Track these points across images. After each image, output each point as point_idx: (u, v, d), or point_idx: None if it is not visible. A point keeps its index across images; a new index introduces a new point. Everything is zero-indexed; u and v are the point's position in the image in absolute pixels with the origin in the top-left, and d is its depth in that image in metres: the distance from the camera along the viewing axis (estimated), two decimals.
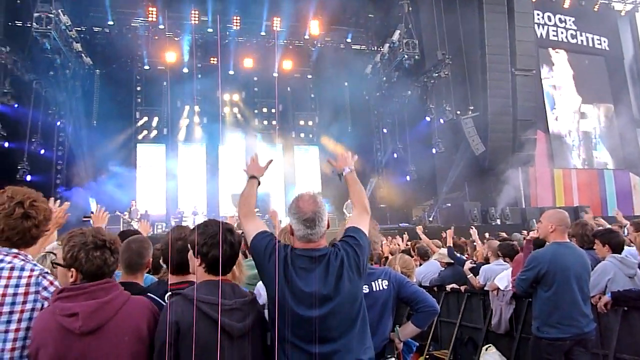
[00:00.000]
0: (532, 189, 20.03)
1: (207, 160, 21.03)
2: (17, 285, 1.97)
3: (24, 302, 1.97)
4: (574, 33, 23.35)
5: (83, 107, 18.60)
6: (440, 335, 6.72)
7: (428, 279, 6.60)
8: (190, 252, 2.16)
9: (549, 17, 22.85)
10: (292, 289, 2.14)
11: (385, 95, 21.46)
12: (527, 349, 4.15)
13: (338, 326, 2.15)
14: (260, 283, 2.65)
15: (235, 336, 2.00)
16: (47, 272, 2.10)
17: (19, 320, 1.95)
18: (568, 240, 3.95)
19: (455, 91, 17.37)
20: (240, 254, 2.50)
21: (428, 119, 18.41)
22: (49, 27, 13.68)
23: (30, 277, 2.01)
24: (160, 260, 2.73)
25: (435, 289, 6.50)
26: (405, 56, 17.28)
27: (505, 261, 5.56)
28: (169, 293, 2.16)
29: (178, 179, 20.35)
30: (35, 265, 2.09)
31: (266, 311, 2.29)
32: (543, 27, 22.61)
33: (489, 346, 5.52)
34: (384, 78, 20.74)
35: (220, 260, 2.10)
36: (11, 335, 1.92)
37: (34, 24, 13.55)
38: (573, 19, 23.28)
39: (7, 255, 2.05)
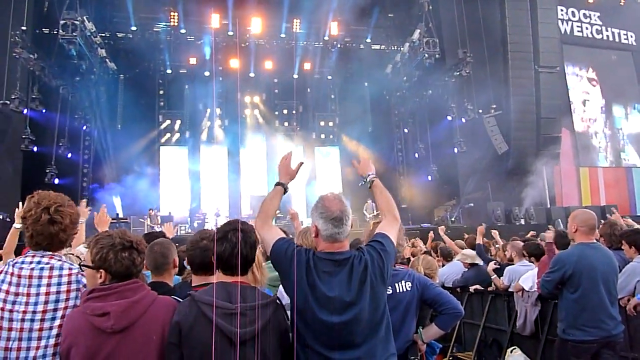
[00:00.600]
0: (557, 188, 19.64)
1: (228, 162, 21.20)
2: (59, 284, 2.07)
3: (67, 299, 2.07)
4: (599, 28, 22.81)
5: (108, 111, 19.01)
6: (463, 337, 6.67)
7: (451, 280, 6.55)
8: None
9: (572, 13, 22.38)
10: (315, 293, 2.11)
11: (406, 94, 21.33)
12: (553, 351, 4.08)
13: (361, 332, 2.12)
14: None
15: (235, 342, 1.96)
16: (82, 270, 2.18)
17: (62, 317, 2.04)
18: (595, 241, 3.87)
19: (477, 90, 17.13)
20: (260, 256, 2.53)
21: (449, 118, 18.20)
22: (74, 33, 13.99)
23: (70, 275, 2.11)
24: (185, 262, 2.79)
25: (458, 290, 6.45)
26: (426, 55, 17.11)
27: (530, 261, 5.50)
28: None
29: (200, 180, 20.62)
30: (71, 264, 2.18)
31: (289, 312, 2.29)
32: (567, 23, 22.15)
33: (514, 348, 5.45)
34: (405, 77, 20.59)
35: (218, 258, 2.11)
36: (54, 332, 2.02)
37: (60, 30, 13.87)
38: (598, 14, 22.73)
39: (43, 256, 2.14)
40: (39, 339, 2.00)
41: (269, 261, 2.35)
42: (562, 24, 21.66)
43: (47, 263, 2.12)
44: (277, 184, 2.53)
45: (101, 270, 2.04)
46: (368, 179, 2.62)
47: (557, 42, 18.59)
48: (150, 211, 16.57)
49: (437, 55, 17.26)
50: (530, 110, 17.22)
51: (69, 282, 2.09)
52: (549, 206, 18.28)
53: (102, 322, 1.93)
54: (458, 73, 17.05)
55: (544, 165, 17.81)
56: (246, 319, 2.00)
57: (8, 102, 12.81)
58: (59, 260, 2.16)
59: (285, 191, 2.51)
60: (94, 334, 1.93)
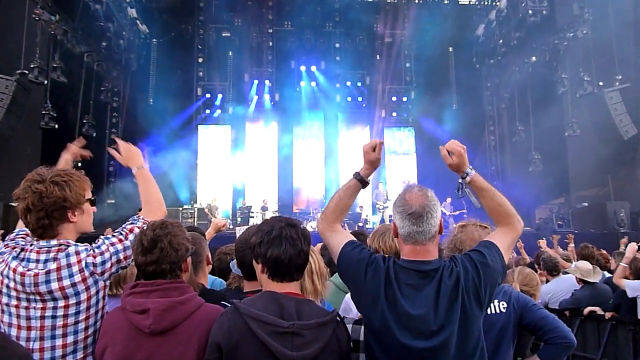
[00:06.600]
0: None
1: (279, 145, 21.55)
2: (71, 276, 2.19)
3: (87, 289, 2.22)
4: None
5: (138, 83, 19.80)
6: None
7: (558, 299, 6.33)
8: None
9: None
10: (395, 311, 2.09)
11: (502, 62, 20.75)
12: None
13: None
14: (349, 295, 2.65)
15: None
16: (87, 246, 2.31)
17: (88, 308, 2.21)
18: None
19: (596, 56, 16.38)
20: (322, 261, 2.54)
21: (559, 92, 17.52)
22: None
23: (79, 261, 2.23)
24: (234, 264, 2.89)
25: (566, 313, 6.21)
26: (530, 12, 16.55)
27: None
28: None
29: (245, 166, 21.08)
30: (76, 245, 2.30)
31: (350, 326, 2.31)
32: None
33: None
34: (501, 41, 20.06)
35: (272, 262, 2.12)
36: (82, 325, 2.20)
37: None
38: None
39: (49, 252, 2.25)
40: (64, 335, 2.16)
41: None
42: None
43: (54, 260, 2.22)
44: (355, 175, 2.47)
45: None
46: (467, 179, 2.37)
47: None
48: (212, 201, 17.33)
49: (544, 12, 16.65)
50: None
51: (81, 270, 2.21)
52: None
53: (140, 320, 2.08)
54: (572, 34, 16.41)
55: None
56: (302, 339, 2.02)
57: (26, 72, 13.37)
58: (65, 246, 2.27)
59: (364, 186, 2.46)
60: (131, 333, 2.09)
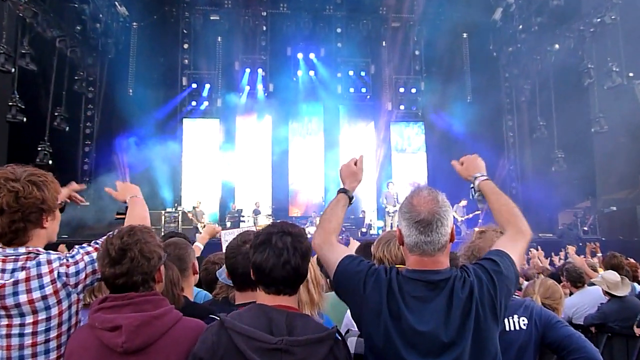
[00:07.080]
0: None
1: (273, 141, 21.55)
2: (41, 287, 2.17)
3: (59, 303, 2.19)
4: None
5: (117, 72, 19.69)
6: None
7: (582, 314, 6.32)
8: None
9: None
10: (399, 326, 2.08)
11: (522, 50, 20.77)
12: None
13: None
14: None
15: None
16: (59, 254, 2.30)
17: (59, 325, 2.19)
18: None
19: (626, 44, 16.38)
20: (318, 271, 2.54)
21: (585, 84, 17.53)
22: None
23: (51, 271, 2.21)
24: (223, 273, 2.87)
25: (592, 329, 6.21)
26: None
27: None
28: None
29: (236, 164, 21.06)
30: (48, 253, 2.28)
31: (355, 339, 2.31)
32: None
33: None
34: (521, 26, 20.09)
35: (258, 270, 2.12)
36: (53, 344, 2.18)
37: None
38: None
39: (17, 260, 2.22)
40: (34, 356, 2.14)
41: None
42: None
43: (22, 269, 2.20)
44: (341, 190, 2.62)
45: None
46: (477, 183, 2.55)
47: None
48: (198, 204, 17.33)
49: None
50: None
51: (53, 281, 2.19)
52: None
53: (111, 338, 2.04)
54: (599, 20, 16.42)
55: None
56: (292, 357, 1.99)
57: None
58: (35, 254, 2.25)
59: (351, 201, 2.60)
60: (101, 352, 2.05)
